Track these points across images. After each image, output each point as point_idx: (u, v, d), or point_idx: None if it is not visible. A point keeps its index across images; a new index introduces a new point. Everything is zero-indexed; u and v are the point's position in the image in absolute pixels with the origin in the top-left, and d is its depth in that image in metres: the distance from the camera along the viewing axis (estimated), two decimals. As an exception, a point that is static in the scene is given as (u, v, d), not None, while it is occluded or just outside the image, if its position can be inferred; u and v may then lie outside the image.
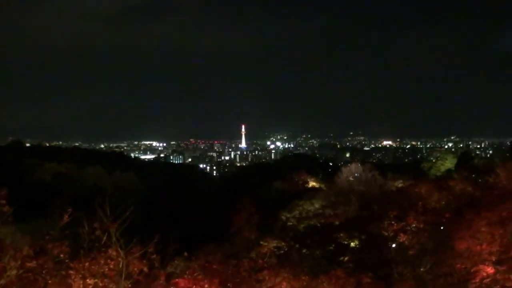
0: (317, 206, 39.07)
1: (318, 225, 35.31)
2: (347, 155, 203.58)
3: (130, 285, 12.50)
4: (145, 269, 12.83)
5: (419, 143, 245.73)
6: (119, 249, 12.32)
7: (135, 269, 12.60)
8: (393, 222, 26.02)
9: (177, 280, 14.39)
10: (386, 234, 26.42)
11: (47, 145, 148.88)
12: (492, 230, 17.19)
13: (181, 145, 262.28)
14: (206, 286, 14.04)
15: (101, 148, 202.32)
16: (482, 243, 17.19)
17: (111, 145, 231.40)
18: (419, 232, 24.07)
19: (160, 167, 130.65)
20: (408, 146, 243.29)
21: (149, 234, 13.24)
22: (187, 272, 15.02)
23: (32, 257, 11.11)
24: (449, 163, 60.38)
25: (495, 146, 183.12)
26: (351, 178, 48.40)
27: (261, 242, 29.19)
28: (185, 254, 17.42)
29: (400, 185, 43.60)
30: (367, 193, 41.00)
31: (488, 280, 16.85)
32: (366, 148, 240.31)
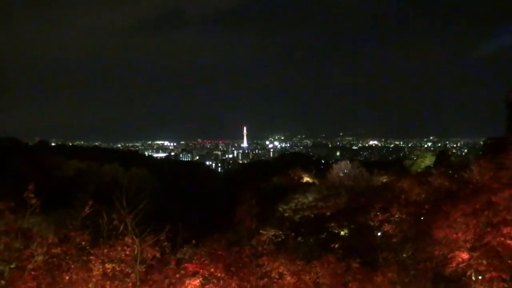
0: (310, 199, 39.09)
1: (312, 216, 35.31)
2: (337, 153, 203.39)
3: (144, 269, 12.50)
4: (158, 255, 12.84)
5: (401, 143, 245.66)
6: (134, 237, 12.33)
7: (149, 255, 12.61)
8: (378, 213, 25.97)
9: (186, 265, 14.38)
10: (372, 223, 26.38)
11: (70, 144, 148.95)
12: (466, 220, 17.15)
13: (189, 144, 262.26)
14: (212, 270, 14.02)
15: (118, 147, 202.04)
16: (458, 232, 17.15)
17: (127, 144, 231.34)
18: (401, 222, 24.03)
19: (171, 164, 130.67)
20: (392, 145, 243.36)
21: (161, 224, 13.25)
22: (195, 257, 15.01)
23: (57, 244, 11.12)
24: (428, 160, 60.33)
25: (469, 145, 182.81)
26: (341, 174, 48.41)
27: (261, 231, 29.05)
28: (193, 241, 17.39)
29: (384, 180, 43.62)
30: (355, 187, 41.01)
31: (463, 265, 16.82)
32: (354, 147, 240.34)
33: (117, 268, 11.96)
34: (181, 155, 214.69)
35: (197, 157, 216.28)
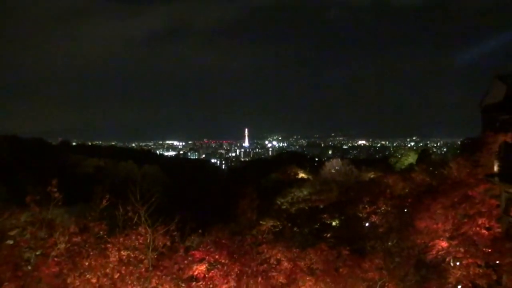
0: (305, 193, 38.93)
1: (306, 208, 35.17)
2: (330, 152, 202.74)
3: (156, 256, 12.52)
4: (168, 243, 12.86)
5: (387, 142, 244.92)
6: (147, 227, 12.36)
7: (160, 243, 12.63)
8: (366, 206, 25.95)
9: (193, 252, 14.39)
10: (360, 215, 26.37)
11: (89, 144, 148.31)
12: (445, 212, 17.14)
13: (196, 144, 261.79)
14: (216, 257, 14.03)
15: (133, 146, 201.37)
16: (438, 223, 17.14)
17: (140, 144, 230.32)
18: (387, 214, 24.00)
19: (180, 162, 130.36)
20: (378, 145, 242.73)
21: (171, 215, 13.27)
22: (202, 245, 15.02)
23: (77, 233, 11.15)
24: (411, 158, 60.08)
25: (448, 145, 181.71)
26: (332, 171, 48.24)
27: (261, 222, 29.13)
28: (200, 231, 17.41)
29: (372, 176, 43.44)
30: (346, 182, 40.79)
31: (442, 252, 16.81)
32: (344, 147, 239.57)
33: (132, 255, 11.99)
34: (189, 154, 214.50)
35: (203, 155, 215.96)
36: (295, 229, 29.80)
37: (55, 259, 10.34)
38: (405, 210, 22.76)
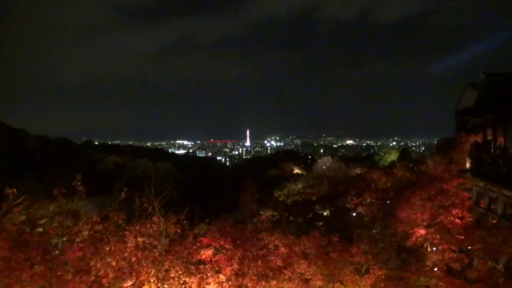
0: (299, 186, 38.91)
1: (301, 200, 35.14)
2: (321, 150, 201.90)
3: (168, 242, 12.51)
4: (179, 231, 12.83)
5: (371, 142, 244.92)
6: (160, 217, 12.33)
7: (172, 231, 12.60)
8: (353, 198, 25.92)
9: (201, 238, 14.39)
10: (348, 206, 26.34)
11: (110, 143, 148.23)
12: (423, 203, 17.12)
13: (203, 143, 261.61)
14: (221, 243, 14.02)
15: (148, 145, 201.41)
16: (417, 213, 17.12)
17: (154, 143, 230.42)
18: (372, 205, 23.97)
19: (189, 159, 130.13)
20: (364, 144, 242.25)
21: (181, 206, 13.24)
22: (208, 233, 15.01)
23: (99, 222, 11.13)
24: (393, 156, 59.96)
25: (426, 144, 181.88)
26: (324, 167, 48.16)
27: (260, 212, 29.08)
28: (207, 220, 17.41)
29: (358, 172, 43.35)
30: (335, 177, 40.74)
31: (420, 239, 16.80)
32: (334, 146, 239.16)
33: (147, 241, 11.97)
34: (197, 152, 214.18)
35: (210, 154, 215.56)
36: (290, 218, 29.77)
37: (79, 244, 10.33)
38: (388, 202, 22.74)
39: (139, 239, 11.79)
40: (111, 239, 11.34)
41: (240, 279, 12.97)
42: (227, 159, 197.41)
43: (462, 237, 15.60)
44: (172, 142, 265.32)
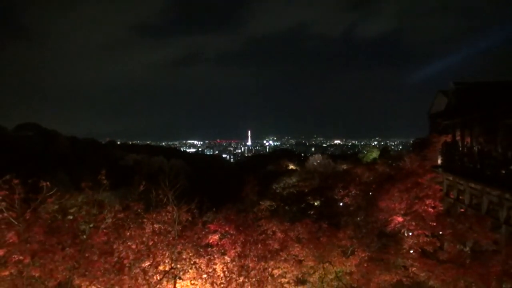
0: (294, 180, 38.79)
1: (295, 192, 35.10)
2: (312, 149, 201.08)
3: (180, 228, 12.51)
4: (190, 218, 12.84)
5: (356, 142, 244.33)
6: (173, 206, 12.34)
7: (183, 218, 12.61)
8: (340, 190, 25.91)
9: (209, 225, 14.39)
10: (336, 197, 26.35)
11: (130, 143, 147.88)
12: (401, 195, 17.10)
13: (211, 143, 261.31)
14: (226, 229, 14.01)
15: (163, 145, 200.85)
16: (395, 203, 17.11)
17: (168, 143, 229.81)
18: (356, 196, 23.98)
19: (199, 157, 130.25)
20: (350, 143, 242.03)
21: (192, 197, 13.25)
22: (215, 220, 15.01)
23: (121, 211, 11.11)
24: (375, 154, 59.60)
25: (403, 143, 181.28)
26: (315, 163, 48.06)
27: (260, 202, 29.08)
28: (214, 209, 17.40)
29: (345, 168, 43.20)
30: (325, 172, 40.63)
31: (398, 225, 16.78)
32: (324, 145, 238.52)
33: (162, 227, 11.99)
34: (205, 150, 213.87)
35: (217, 152, 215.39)
36: (286, 208, 29.77)
37: (104, 230, 10.32)
38: (370, 193, 22.74)
39: (155, 225, 11.81)
40: (131, 226, 11.35)
41: (242, 260, 12.97)
42: (231, 157, 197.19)
43: (435, 224, 15.60)
44: (184, 142, 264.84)
